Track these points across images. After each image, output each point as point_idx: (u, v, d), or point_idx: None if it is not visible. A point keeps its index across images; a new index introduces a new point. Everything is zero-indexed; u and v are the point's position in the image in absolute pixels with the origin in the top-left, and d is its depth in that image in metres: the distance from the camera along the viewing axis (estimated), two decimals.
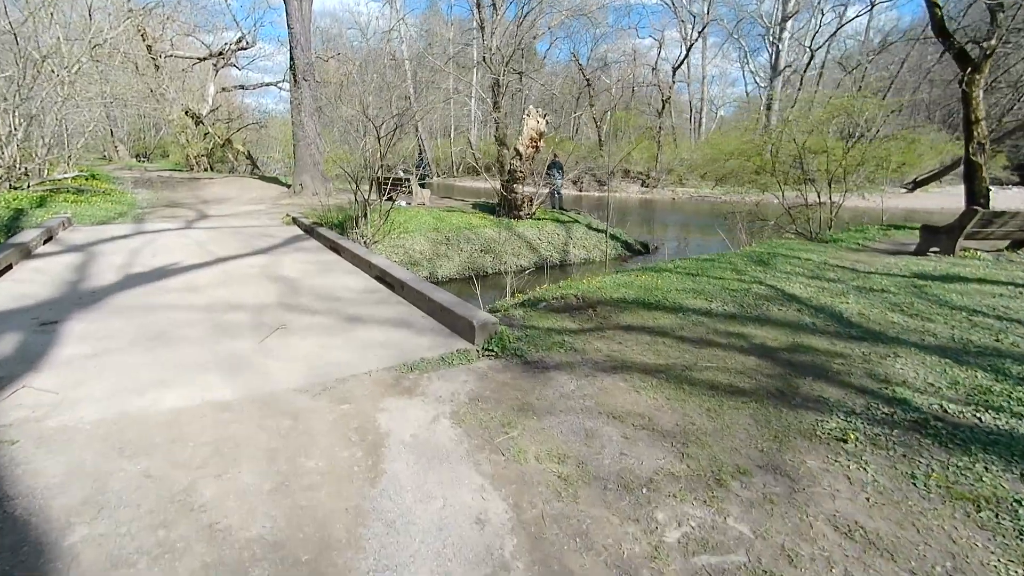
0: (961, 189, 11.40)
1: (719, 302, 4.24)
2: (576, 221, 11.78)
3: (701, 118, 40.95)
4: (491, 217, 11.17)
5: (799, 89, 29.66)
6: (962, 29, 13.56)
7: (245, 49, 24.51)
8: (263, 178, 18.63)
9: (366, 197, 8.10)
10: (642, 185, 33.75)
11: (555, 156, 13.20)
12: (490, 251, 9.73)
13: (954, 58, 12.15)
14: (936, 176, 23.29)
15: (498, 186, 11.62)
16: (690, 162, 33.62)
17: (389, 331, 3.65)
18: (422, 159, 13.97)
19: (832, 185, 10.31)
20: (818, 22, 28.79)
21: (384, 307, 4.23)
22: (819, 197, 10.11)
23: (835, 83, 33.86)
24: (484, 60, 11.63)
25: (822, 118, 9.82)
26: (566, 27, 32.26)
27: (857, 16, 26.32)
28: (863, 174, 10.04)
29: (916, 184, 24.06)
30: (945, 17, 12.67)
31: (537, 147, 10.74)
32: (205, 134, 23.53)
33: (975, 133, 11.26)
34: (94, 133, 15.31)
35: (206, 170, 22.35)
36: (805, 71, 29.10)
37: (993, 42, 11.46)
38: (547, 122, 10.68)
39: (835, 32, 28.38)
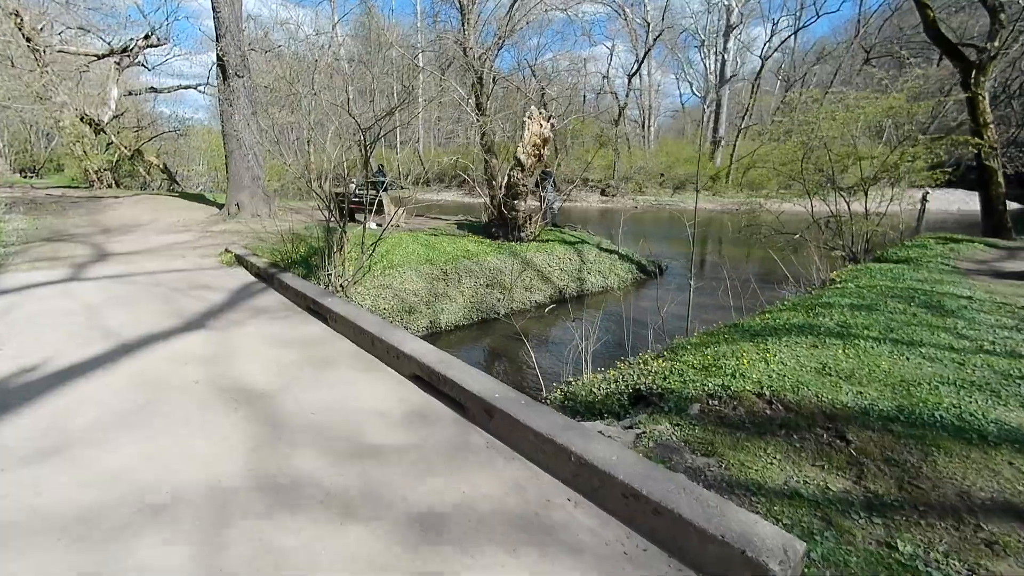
0: (947, 193, 10.82)
1: None
2: (583, 241, 10.10)
3: (650, 126, 41.16)
4: (488, 241, 9.23)
5: (751, 97, 30.12)
6: (952, 31, 13.40)
7: (155, 46, 20.95)
8: (185, 196, 15.48)
9: (341, 221, 5.92)
10: (601, 194, 33.03)
11: (545, 165, 11.49)
12: (497, 285, 7.79)
13: (952, 61, 11.74)
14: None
15: (488, 202, 9.71)
16: (648, 169, 33.33)
17: (528, 564, 1.66)
18: (381, 170, 11.73)
19: (868, 193, 9.32)
20: (768, 31, 29.38)
21: (473, 471, 2.21)
22: (864, 206, 9.04)
23: (772, 92, 34.98)
24: (465, 53, 9.70)
25: (875, 114, 8.77)
26: (513, 34, 30.91)
27: (805, 25, 26.97)
28: (906, 179, 9.10)
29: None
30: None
31: (540, 155, 8.98)
32: (108, 144, 19.77)
33: (985, 137, 10.79)
34: None
35: (110, 186, 18.67)
36: (757, 79, 29.55)
37: (996, 43, 11.09)
38: (552, 126, 8.94)
39: (783, 41, 29.06)
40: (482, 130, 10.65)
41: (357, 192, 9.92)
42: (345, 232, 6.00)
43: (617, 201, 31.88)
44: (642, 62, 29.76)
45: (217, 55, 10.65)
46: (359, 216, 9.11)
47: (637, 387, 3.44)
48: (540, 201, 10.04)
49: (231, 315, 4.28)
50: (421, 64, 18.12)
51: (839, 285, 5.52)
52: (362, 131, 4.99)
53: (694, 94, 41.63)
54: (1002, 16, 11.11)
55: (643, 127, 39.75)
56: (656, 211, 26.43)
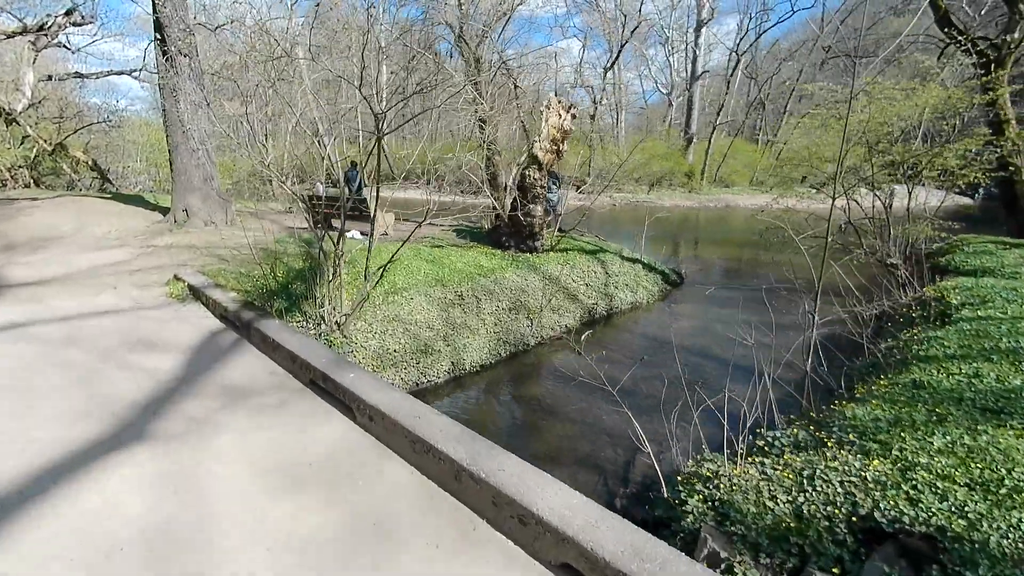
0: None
1: None
2: (603, 249, 8.88)
3: (621, 122, 40.59)
4: (499, 253, 7.85)
5: (726, 92, 29.89)
6: (961, 23, 12.99)
7: (80, 25, 18.11)
8: (120, 198, 13.17)
9: (326, 231, 4.41)
10: (577, 190, 32.07)
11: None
12: (522, 308, 6.45)
13: (970, 55, 11.22)
14: None
15: (496, 205, 8.33)
16: (626, 166, 32.62)
17: None
18: (355, 167, 10.06)
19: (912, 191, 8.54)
20: (744, 27, 29.16)
21: None
22: (907, 205, 8.22)
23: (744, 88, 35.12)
24: (459, 36, 8.24)
25: (933, 103, 7.94)
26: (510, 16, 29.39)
27: (781, 20, 26.81)
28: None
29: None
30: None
31: (560, 151, 7.67)
32: (24, 137, 16.95)
33: (1007, 133, 10.32)
34: None
35: (27, 186, 15.99)
36: (732, 74, 29.33)
37: (1017, 35, 10.64)
38: (573, 116, 7.65)
39: (758, 37, 28.94)
40: (480, 123, 9.22)
41: (354, 197, 8.27)
42: (339, 249, 4.49)
43: (593, 198, 31.01)
44: (618, 55, 28.93)
45: (156, 21, 8.70)
46: (335, 223, 7.43)
47: (864, 513, 2.19)
48: (548, 204, 8.74)
49: (191, 407, 2.74)
50: (382, 45, 16.36)
51: (967, 311, 4.51)
52: (375, 116, 3.51)
53: (659, 91, 41.38)
54: (1022, 6, 10.68)
55: (616, 123, 39.15)
56: (633, 209, 25.64)
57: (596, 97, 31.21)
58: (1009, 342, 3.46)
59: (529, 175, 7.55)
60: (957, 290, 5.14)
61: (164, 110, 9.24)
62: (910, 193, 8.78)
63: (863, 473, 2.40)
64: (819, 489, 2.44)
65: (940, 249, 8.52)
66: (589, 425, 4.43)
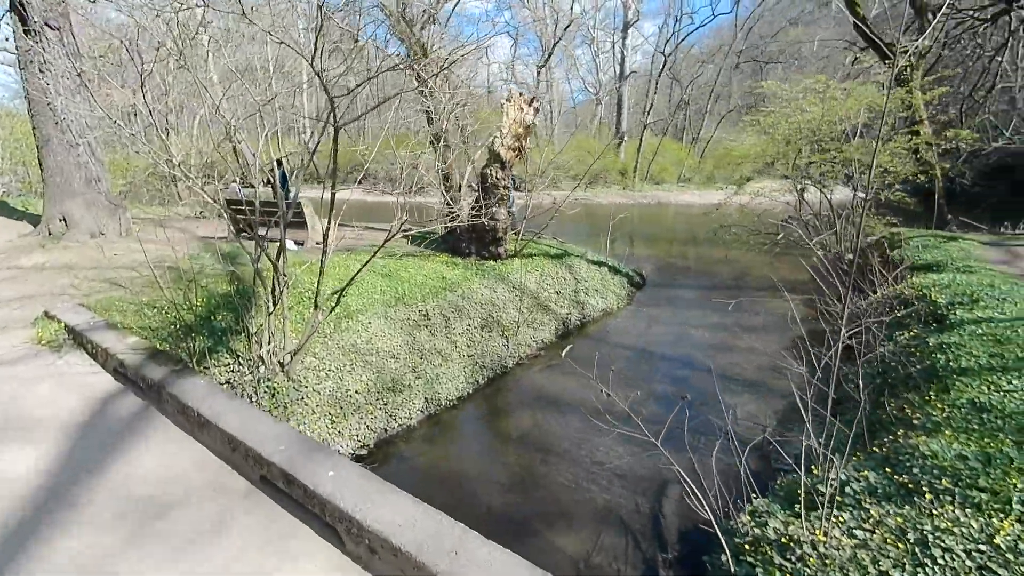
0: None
1: None
2: (568, 252, 8.35)
3: (556, 120, 40.79)
4: (460, 261, 7.05)
5: (655, 92, 30.85)
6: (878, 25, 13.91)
7: None
8: None
9: (257, 242, 3.43)
10: (516, 189, 31.69)
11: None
12: (496, 325, 5.73)
13: (885, 60, 11.97)
14: None
15: (454, 208, 7.50)
16: (562, 165, 32.70)
17: None
18: (280, 165, 8.74)
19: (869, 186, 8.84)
20: (669, 29, 30.14)
21: None
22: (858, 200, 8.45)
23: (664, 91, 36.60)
24: (401, 18, 7.35)
25: (863, 103, 8.21)
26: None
27: (703, 24, 27.96)
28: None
29: None
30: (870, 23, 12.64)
31: (522, 148, 7.01)
32: None
33: (922, 133, 11.12)
34: None
35: None
36: (660, 74, 30.27)
37: (927, 42, 11.49)
38: (536, 110, 7.02)
39: (684, 39, 30.06)
40: (427, 115, 8.36)
41: (292, 201, 6.99)
42: (281, 269, 3.51)
43: (532, 197, 30.77)
44: (551, 52, 28.81)
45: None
46: (261, 231, 6.12)
47: None
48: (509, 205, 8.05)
49: (69, 546, 1.75)
50: (301, 28, 14.79)
51: (961, 312, 4.44)
52: (329, 97, 2.63)
53: (587, 90, 42.03)
54: (929, 15, 11.58)
55: (549, 120, 39.24)
56: (576, 207, 25.67)
57: (532, 95, 30.91)
58: None
59: (491, 174, 6.83)
60: (937, 288, 5.13)
61: (28, 97, 7.41)
62: (855, 189, 9.11)
63: (993, 540, 1.97)
64: (942, 562, 1.98)
65: (881, 242, 8.88)
66: (597, 465, 3.82)
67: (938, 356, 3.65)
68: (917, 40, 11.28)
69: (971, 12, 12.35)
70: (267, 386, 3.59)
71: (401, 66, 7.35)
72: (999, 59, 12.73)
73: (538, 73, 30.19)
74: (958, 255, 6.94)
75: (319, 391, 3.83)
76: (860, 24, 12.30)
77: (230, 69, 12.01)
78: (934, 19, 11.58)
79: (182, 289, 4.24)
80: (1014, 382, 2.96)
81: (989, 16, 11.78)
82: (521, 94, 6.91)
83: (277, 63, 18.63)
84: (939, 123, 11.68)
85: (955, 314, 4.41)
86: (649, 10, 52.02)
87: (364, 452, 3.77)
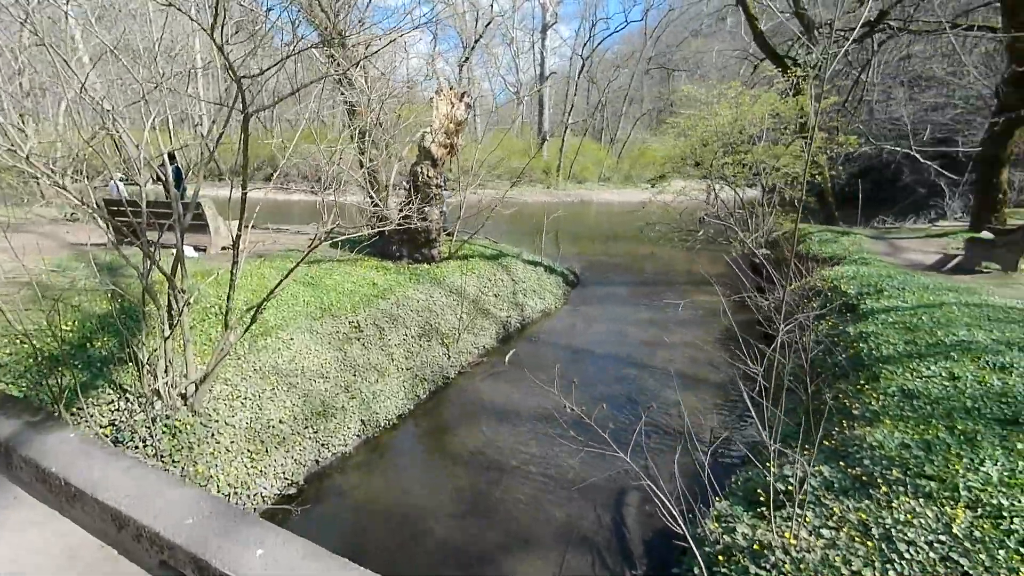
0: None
1: None
2: (503, 253, 8.15)
3: (476, 117, 40.58)
4: (392, 265, 6.58)
5: (575, 93, 31.68)
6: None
7: None
8: None
9: (167, 263, 2.85)
10: (438, 188, 31.11)
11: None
12: (435, 333, 5.37)
13: (783, 72, 13.07)
14: None
15: (383, 208, 7.01)
16: (488, 163, 32.58)
17: None
18: (173, 158, 7.62)
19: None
20: (586, 32, 31.03)
21: None
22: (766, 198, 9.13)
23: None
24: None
25: (767, 108, 8.85)
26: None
27: (617, 30, 29.12)
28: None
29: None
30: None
31: (454, 145, 6.68)
32: None
33: (814, 138, 12.32)
34: None
35: None
36: (579, 76, 31.13)
37: (815, 57, 12.68)
38: (468, 105, 6.71)
39: (600, 42, 31.13)
40: (348, 107, 7.77)
41: (190, 201, 5.98)
42: (180, 283, 2.92)
43: (459, 196, 30.36)
44: (473, 48, 28.50)
45: None
46: (151, 236, 5.14)
47: None
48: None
49: None
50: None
51: (869, 301, 4.84)
52: (236, 78, 2.17)
53: (507, 89, 42.33)
54: (816, 32, 12.83)
55: (473, 118, 38.91)
56: (504, 206, 25.66)
57: (463, 90, 30.38)
58: (944, 335, 3.60)
59: (422, 172, 6.43)
60: (845, 279, 5.58)
61: None
62: (763, 188, 9.82)
63: (951, 529, 2.04)
64: (909, 556, 2.01)
65: (787, 237, 9.65)
66: (552, 479, 3.64)
67: (861, 345, 3.90)
68: (807, 55, 12.49)
69: (842, 32, 13.95)
70: (165, 425, 2.98)
71: (315, 49, 6.71)
72: (863, 76, 14.49)
73: (460, 70, 29.73)
74: (853, 248, 7.67)
75: (233, 424, 3.27)
76: (759, 38, 13.40)
77: (106, 47, 10.36)
78: (819, 36, 12.87)
79: (46, 311, 3.43)
80: (932, 368, 3.20)
81: (857, 36, 13.34)
82: (452, 88, 6.58)
83: (165, 44, 16.50)
84: (827, 129, 13.01)
85: (865, 303, 4.79)
86: (566, 13, 53.38)
87: (293, 491, 3.28)
